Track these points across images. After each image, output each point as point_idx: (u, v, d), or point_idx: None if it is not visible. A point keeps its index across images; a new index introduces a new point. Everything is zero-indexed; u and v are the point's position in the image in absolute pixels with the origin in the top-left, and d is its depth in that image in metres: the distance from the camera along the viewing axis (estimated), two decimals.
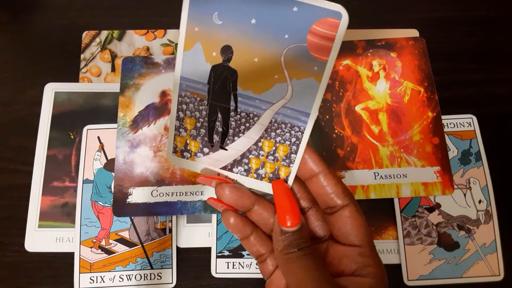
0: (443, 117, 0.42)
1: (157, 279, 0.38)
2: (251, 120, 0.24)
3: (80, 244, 0.39)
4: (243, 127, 0.24)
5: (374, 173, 0.40)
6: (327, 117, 0.42)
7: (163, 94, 0.43)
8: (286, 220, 0.23)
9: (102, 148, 0.42)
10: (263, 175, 0.25)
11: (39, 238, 0.40)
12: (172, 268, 0.39)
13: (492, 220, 0.39)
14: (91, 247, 0.39)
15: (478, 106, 0.44)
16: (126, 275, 0.38)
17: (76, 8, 0.49)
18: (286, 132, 0.24)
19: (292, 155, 0.24)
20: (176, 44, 0.47)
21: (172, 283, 0.38)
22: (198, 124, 0.24)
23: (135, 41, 0.47)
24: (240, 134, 0.24)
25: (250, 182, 0.26)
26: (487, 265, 0.38)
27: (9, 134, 0.44)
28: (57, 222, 0.40)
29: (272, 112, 0.23)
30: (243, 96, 0.23)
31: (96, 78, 0.46)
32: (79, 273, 0.38)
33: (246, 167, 0.25)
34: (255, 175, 0.25)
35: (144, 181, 0.40)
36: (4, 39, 0.49)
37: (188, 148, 0.25)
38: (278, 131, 0.24)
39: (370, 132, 0.41)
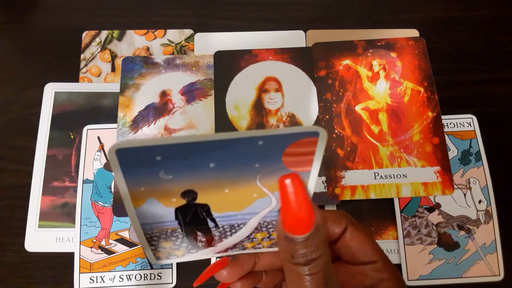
0: (443, 117, 0.42)
1: (157, 279, 0.38)
2: (236, 228, 0.21)
3: (80, 244, 0.39)
4: (229, 233, 0.22)
5: (374, 173, 0.40)
6: (327, 117, 0.42)
7: (163, 94, 0.43)
8: (292, 225, 0.18)
9: (102, 148, 0.42)
10: (261, 247, 0.23)
11: (39, 238, 0.40)
12: (172, 268, 0.39)
13: (492, 220, 0.39)
14: (91, 247, 0.39)
15: (478, 106, 0.44)
16: (126, 275, 0.39)
17: (76, 8, 0.49)
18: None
19: None
20: (177, 44, 0.47)
21: (172, 283, 0.38)
22: (177, 243, 0.22)
23: (135, 41, 0.47)
24: (228, 237, 0.22)
25: (249, 252, 0.24)
26: (487, 265, 0.38)
27: (9, 134, 0.44)
28: (57, 222, 0.40)
29: (259, 217, 0.21)
30: (221, 216, 0.20)
31: (96, 78, 0.46)
32: (79, 273, 0.38)
33: (241, 247, 0.23)
34: (252, 249, 0.23)
35: None
36: (4, 39, 0.49)
37: (173, 254, 0.22)
38: (269, 226, 0.22)
39: (370, 132, 0.41)
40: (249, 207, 0.20)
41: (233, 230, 0.21)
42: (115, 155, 0.16)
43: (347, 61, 0.44)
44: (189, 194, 0.19)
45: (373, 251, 0.22)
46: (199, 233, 0.21)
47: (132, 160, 0.16)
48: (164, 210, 0.19)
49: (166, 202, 0.19)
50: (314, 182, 0.19)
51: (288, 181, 0.18)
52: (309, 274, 0.18)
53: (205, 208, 0.20)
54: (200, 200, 0.19)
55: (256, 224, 0.21)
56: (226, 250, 0.23)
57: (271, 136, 0.16)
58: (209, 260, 0.39)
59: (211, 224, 0.21)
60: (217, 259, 0.25)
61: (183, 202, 0.19)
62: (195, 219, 0.20)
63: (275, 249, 0.23)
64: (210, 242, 0.22)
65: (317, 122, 0.42)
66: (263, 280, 0.25)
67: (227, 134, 0.16)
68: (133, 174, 0.17)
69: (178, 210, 0.20)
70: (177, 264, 0.39)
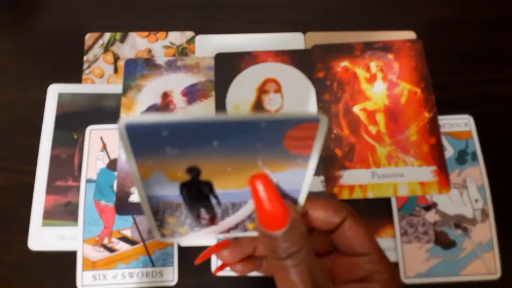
0: (439, 117, 0.42)
1: (159, 276, 0.39)
2: (238, 206, 0.22)
3: (83, 242, 0.40)
4: (231, 210, 0.22)
5: (372, 172, 0.41)
6: None
7: (165, 95, 0.44)
8: (269, 224, 0.19)
9: (105, 148, 0.42)
10: None
11: (43, 237, 0.40)
12: (173, 266, 0.39)
13: (488, 219, 0.40)
14: (93, 245, 0.40)
15: (474, 107, 0.44)
16: (128, 273, 0.39)
17: (79, 10, 0.50)
18: None
19: None
20: (178, 46, 0.48)
21: (173, 280, 0.39)
22: (181, 219, 0.22)
23: (137, 43, 0.48)
24: (230, 215, 0.23)
25: (250, 234, 0.24)
26: (484, 263, 0.39)
27: (14, 134, 0.44)
28: (60, 220, 0.41)
29: None
30: (224, 194, 0.21)
31: (99, 80, 0.46)
32: (82, 270, 0.39)
33: (243, 228, 0.23)
34: (254, 231, 0.24)
35: None
36: (7, 40, 0.49)
37: (177, 232, 0.23)
38: None
39: (368, 132, 0.42)
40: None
41: (235, 208, 0.22)
42: (124, 129, 0.16)
43: (345, 63, 0.44)
44: (193, 171, 0.20)
45: (370, 243, 0.22)
46: (202, 210, 0.22)
47: (140, 134, 0.17)
48: (169, 184, 0.20)
49: (172, 176, 0.20)
50: (313, 168, 0.20)
51: (257, 182, 0.19)
52: (292, 266, 0.19)
53: (208, 185, 0.20)
54: (203, 177, 0.20)
55: None
56: (228, 230, 0.23)
57: (273, 120, 0.17)
58: (210, 259, 0.40)
59: (213, 201, 0.21)
60: (219, 240, 0.25)
61: (187, 178, 0.20)
62: (198, 195, 0.21)
63: None
64: (213, 220, 0.23)
65: None
66: (263, 266, 0.25)
67: (231, 115, 0.17)
68: (140, 147, 0.18)
69: (182, 185, 0.20)
70: (179, 261, 0.39)
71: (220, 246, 0.24)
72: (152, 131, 0.17)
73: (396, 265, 0.39)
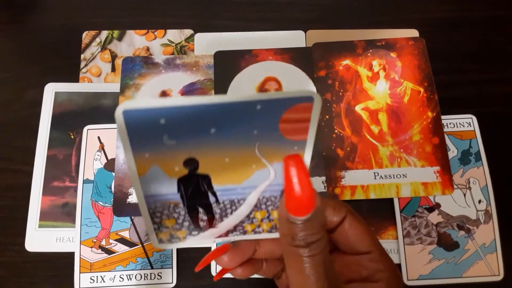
0: (443, 117, 0.42)
1: (157, 279, 0.39)
2: (236, 204, 0.22)
3: (80, 244, 0.39)
4: (229, 210, 0.22)
5: (374, 173, 0.40)
6: (327, 117, 0.42)
7: (163, 94, 0.43)
8: (294, 206, 0.19)
9: (102, 148, 0.42)
10: (261, 231, 0.24)
11: (39, 238, 0.40)
12: (172, 268, 0.39)
13: (491, 220, 0.39)
14: (91, 247, 0.39)
15: (478, 106, 0.44)
16: (127, 275, 0.39)
17: (77, 8, 0.49)
18: (277, 201, 0.22)
19: None
20: (177, 44, 0.47)
21: (172, 283, 0.39)
22: (180, 221, 0.22)
23: (135, 41, 0.47)
24: (228, 215, 0.23)
25: (249, 237, 0.24)
26: (487, 265, 0.38)
27: (10, 134, 0.44)
28: (57, 222, 0.40)
29: (258, 192, 0.22)
30: (222, 190, 0.21)
31: (96, 78, 0.46)
32: (80, 273, 0.38)
33: (241, 230, 0.24)
34: (252, 233, 0.24)
35: None
36: (4, 39, 0.49)
37: (175, 236, 0.23)
38: (268, 203, 0.22)
39: (370, 132, 0.41)
40: (249, 179, 0.21)
41: (233, 207, 0.22)
42: (122, 116, 0.16)
43: (347, 61, 0.44)
44: (191, 163, 0.19)
45: (370, 241, 0.22)
46: (200, 211, 0.22)
47: (137, 122, 0.17)
48: (167, 181, 0.20)
49: (169, 171, 0.20)
50: (310, 151, 0.20)
51: (291, 162, 0.19)
52: (308, 256, 0.19)
53: (206, 179, 0.20)
54: (201, 170, 0.20)
55: (255, 200, 0.22)
56: (226, 234, 0.23)
57: (268, 101, 0.17)
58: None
59: (212, 198, 0.21)
60: (218, 246, 0.25)
61: (185, 172, 0.20)
62: (196, 191, 0.21)
63: (274, 235, 0.23)
64: (211, 222, 0.22)
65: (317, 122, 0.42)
66: (263, 268, 0.25)
67: (227, 96, 0.17)
68: (138, 137, 0.17)
69: (180, 181, 0.20)
70: (177, 263, 0.39)
71: (220, 251, 0.24)
72: (150, 119, 0.17)
73: (398, 267, 0.39)
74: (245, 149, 0.19)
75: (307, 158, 0.20)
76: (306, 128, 0.19)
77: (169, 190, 0.20)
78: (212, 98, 0.17)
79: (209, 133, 0.18)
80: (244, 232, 0.23)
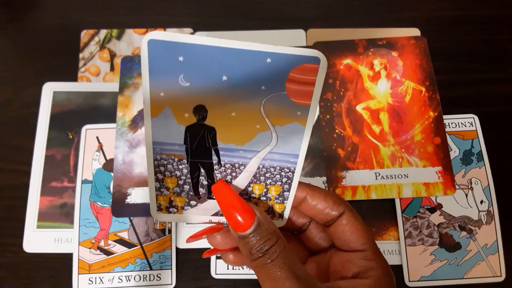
0: (444, 117, 0.42)
1: (157, 280, 0.38)
2: (237, 170, 0.23)
3: (78, 244, 0.39)
4: (230, 177, 0.23)
5: (375, 173, 0.40)
6: (328, 117, 0.42)
7: None
8: (237, 224, 0.21)
9: (101, 148, 0.41)
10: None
11: (38, 239, 0.39)
12: (171, 269, 0.38)
13: (493, 221, 0.39)
14: (90, 248, 0.39)
15: (480, 106, 0.43)
16: (125, 276, 0.38)
17: (75, 7, 0.49)
18: (276, 175, 0.23)
19: (285, 193, 0.24)
20: None
21: (171, 284, 0.38)
22: (181, 182, 0.23)
23: (134, 40, 0.47)
24: (228, 182, 0.23)
25: None
26: (489, 266, 0.38)
27: (8, 134, 0.44)
28: (55, 222, 0.40)
29: (258, 159, 0.22)
30: (225, 149, 0.22)
31: (95, 78, 0.45)
32: (78, 274, 0.38)
33: None
34: None
35: (144, 181, 0.39)
36: (2, 38, 0.48)
37: (174, 204, 0.24)
38: (267, 175, 0.23)
39: (371, 132, 0.41)
40: (251, 141, 0.22)
41: (234, 174, 0.23)
42: (146, 45, 0.18)
43: (348, 61, 0.43)
44: (200, 111, 0.21)
45: (365, 239, 0.23)
46: (202, 173, 0.23)
47: (159, 54, 0.18)
48: (176, 127, 0.21)
49: (179, 116, 0.21)
50: (311, 126, 0.21)
51: (218, 188, 0.22)
52: (270, 262, 0.20)
53: (212, 133, 0.21)
54: (209, 121, 0.21)
55: (255, 168, 0.23)
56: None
57: (278, 54, 0.19)
58: (208, 262, 0.39)
59: (214, 158, 0.22)
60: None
61: (194, 120, 0.21)
62: (201, 145, 0.22)
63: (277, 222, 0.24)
64: (210, 193, 0.23)
65: (318, 122, 0.42)
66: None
67: (243, 43, 0.19)
68: (157, 70, 0.19)
69: (188, 130, 0.21)
70: (177, 265, 0.39)
71: (213, 229, 0.24)
72: (171, 53, 0.18)
73: (400, 268, 0.38)
74: (252, 104, 0.20)
75: (308, 131, 0.22)
76: (310, 92, 0.20)
77: (176, 140, 0.21)
78: (230, 43, 0.18)
79: (221, 80, 0.19)
80: None
